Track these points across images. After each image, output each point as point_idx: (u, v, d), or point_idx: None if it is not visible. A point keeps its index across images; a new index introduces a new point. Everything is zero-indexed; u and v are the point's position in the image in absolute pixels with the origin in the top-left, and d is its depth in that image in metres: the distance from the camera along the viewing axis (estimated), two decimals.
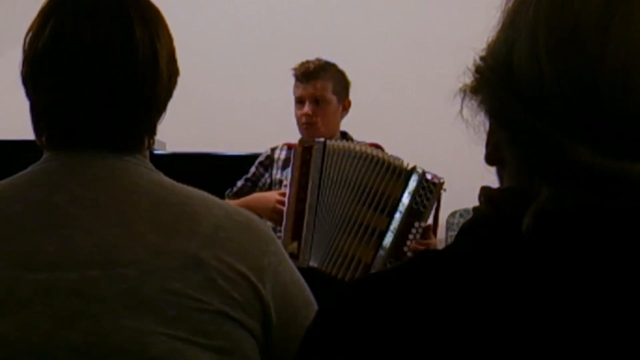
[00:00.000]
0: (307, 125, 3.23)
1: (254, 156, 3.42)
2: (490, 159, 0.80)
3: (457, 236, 0.78)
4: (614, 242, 0.69)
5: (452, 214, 4.35)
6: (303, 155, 3.04)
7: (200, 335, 1.08)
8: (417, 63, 4.71)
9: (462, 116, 0.78)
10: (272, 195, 3.15)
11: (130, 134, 1.20)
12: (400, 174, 2.90)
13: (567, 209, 0.69)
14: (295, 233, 2.94)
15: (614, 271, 0.69)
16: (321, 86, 3.25)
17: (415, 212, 2.88)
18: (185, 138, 4.20)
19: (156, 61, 1.19)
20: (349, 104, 3.34)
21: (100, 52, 1.16)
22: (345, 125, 3.38)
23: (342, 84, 3.32)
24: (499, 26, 0.77)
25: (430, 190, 2.88)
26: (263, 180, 3.34)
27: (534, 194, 0.70)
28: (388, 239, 2.86)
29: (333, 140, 3.08)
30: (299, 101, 3.27)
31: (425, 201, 2.88)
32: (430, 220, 2.93)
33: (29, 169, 1.20)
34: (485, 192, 0.78)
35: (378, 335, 0.71)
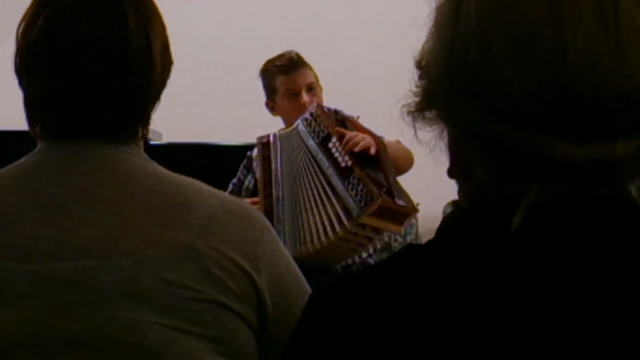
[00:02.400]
0: None
1: (250, 147, 3.41)
2: (453, 173, 0.80)
3: (439, 229, 0.77)
4: (608, 232, 0.70)
5: (449, 204, 4.35)
6: (263, 152, 3.08)
7: (196, 325, 1.09)
8: (405, 50, 4.69)
9: (417, 137, 0.79)
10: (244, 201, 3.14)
11: (125, 123, 1.19)
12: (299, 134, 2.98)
13: (560, 202, 0.69)
14: None
15: (610, 263, 0.69)
16: (308, 74, 3.20)
17: (323, 140, 2.90)
18: (182, 128, 4.19)
19: (150, 51, 1.19)
20: (321, 90, 3.31)
21: (93, 43, 1.16)
22: None
23: (314, 71, 3.27)
24: (436, 42, 0.76)
25: (315, 120, 2.93)
26: (247, 182, 3.29)
27: (517, 190, 0.70)
28: (333, 178, 2.86)
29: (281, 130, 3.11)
30: (292, 93, 3.16)
31: (320, 127, 2.92)
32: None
33: (23, 159, 1.19)
34: (464, 186, 0.78)
35: (374, 323, 0.71)
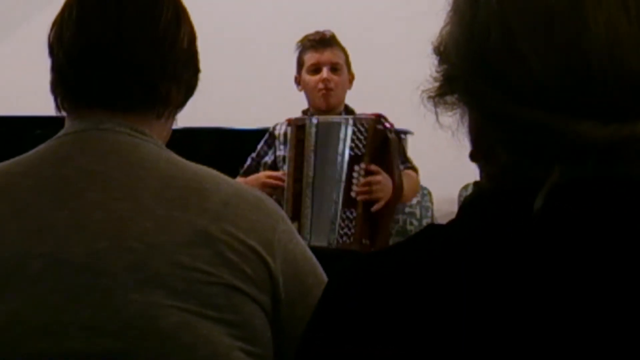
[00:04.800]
0: (325, 91, 3.21)
1: (265, 131, 3.42)
2: (475, 157, 0.80)
3: (460, 211, 0.77)
4: (631, 214, 0.69)
5: (465, 187, 4.34)
6: (297, 134, 3.10)
7: (211, 309, 1.09)
8: (420, 36, 4.68)
9: (438, 122, 0.79)
10: (260, 175, 3.18)
11: (139, 92, 1.20)
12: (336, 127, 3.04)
13: (583, 183, 0.69)
14: (295, 213, 2.98)
15: (634, 247, 0.68)
16: (337, 54, 3.27)
17: (355, 157, 2.96)
18: (197, 113, 4.19)
19: (178, 27, 1.22)
20: (353, 77, 3.35)
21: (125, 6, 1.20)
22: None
23: (348, 57, 3.33)
24: (456, 26, 0.76)
25: (362, 133, 2.97)
26: (267, 157, 3.32)
27: (540, 173, 0.70)
28: (338, 191, 2.95)
29: (323, 116, 3.14)
30: (315, 69, 3.25)
31: (362, 144, 2.96)
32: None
33: (41, 146, 1.20)
34: (486, 170, 0.77)
35: (383, 315, 0.71)
